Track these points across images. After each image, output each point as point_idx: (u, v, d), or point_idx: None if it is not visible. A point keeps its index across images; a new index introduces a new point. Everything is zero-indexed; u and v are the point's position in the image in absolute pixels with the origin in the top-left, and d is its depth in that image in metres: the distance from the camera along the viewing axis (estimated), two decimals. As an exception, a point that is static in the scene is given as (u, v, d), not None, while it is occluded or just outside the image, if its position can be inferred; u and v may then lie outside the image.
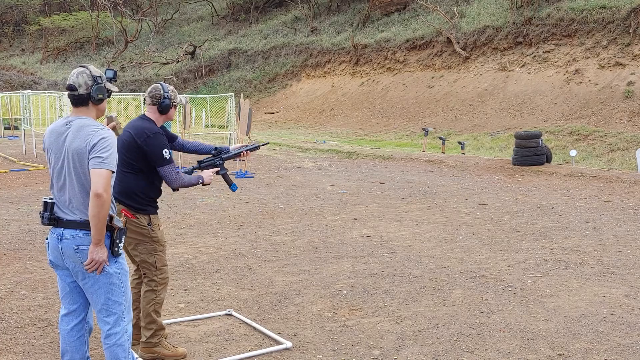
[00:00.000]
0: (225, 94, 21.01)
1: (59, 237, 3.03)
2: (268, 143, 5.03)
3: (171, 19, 47.15)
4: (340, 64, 31.98)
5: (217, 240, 7.12)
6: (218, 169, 4.06)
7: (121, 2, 43.14)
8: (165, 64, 39.41)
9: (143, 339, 3.82)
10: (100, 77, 3.10)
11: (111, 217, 3.00)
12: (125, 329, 3.13)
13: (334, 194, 10.38)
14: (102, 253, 2.97)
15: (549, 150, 12.99)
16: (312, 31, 36.04)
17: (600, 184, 10.71)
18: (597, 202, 9.16)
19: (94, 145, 2.96)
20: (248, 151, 4.22)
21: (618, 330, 4.19)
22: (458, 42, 25.93)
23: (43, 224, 3.09)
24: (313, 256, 6.34)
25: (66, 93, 3.28)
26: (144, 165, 3.72)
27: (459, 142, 16.54)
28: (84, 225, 3.00)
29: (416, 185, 11.18)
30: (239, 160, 13.32)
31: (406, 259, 6.18)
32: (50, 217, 3.05)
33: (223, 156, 4.09)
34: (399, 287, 5.23)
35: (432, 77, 26.31)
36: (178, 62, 39.49)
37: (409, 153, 16.31)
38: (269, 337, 4.16)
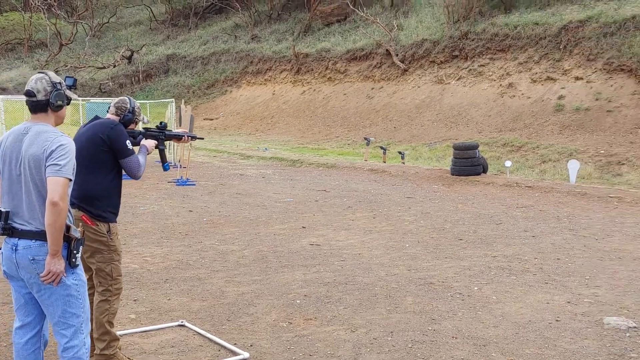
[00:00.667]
0: (166, 100, 20.70)
1: (14, 248, 2.94)
2: (203, 138, 5.09)
3: (108, 22, 46.07)
4: (281, 72, 32.02)
5: (163, 249, 7.00)
6: (157, 143, 4.10)
7: (56, 3, 41.85)
8: (101, 68, 38.45)
9: (97, 351, 3.73)
10: (59, 83, 3.04)
11: (68, 227, 2.93)
12: (84, 341, 3.05)
13: (280, 202, 10.38)
14: (60, 264, 2.89)
15: (485, 161, 13.40)
16: (252, 38, 35.97)
17: (535, 193, 11.12)
18: (533, 212, 9.50)
19: (52, 152, 2.88)
20: (189, 137, 4.32)
21: (564, 335, 4.37)
22: (397, 55, 26.40)
23: None
24: (263, 265, 6.33)
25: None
26: (107, 164, 3.67)
27: (399, 152, 16.83)
28: (40, 236, 2.91)
29: (361, 194, 11.31)
30: (190, 143, 13.09)
31: (356, 267, 6.25)
32: (5, 226, 2.95)
33: (166, 132, 4.17)
34: (352, 296, 5.29)
35: (372, 88, 26.69)
36: (115, 66, 38.62)
37: (352, 162, 16.48)
38: (225, 348, 4.13)
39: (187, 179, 13.14)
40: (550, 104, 20.27)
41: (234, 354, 4.03)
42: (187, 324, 4.54)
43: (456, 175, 12.87)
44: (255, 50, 34.31)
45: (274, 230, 8.14)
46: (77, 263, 2.99)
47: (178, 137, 4.25)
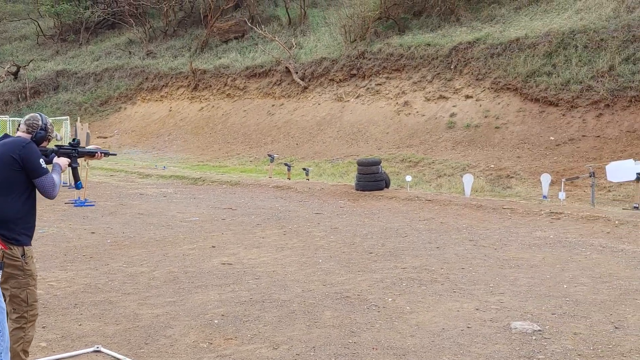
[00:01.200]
0: (60, 117, 19.81)
1: None
2: (116, 154, 4.96)
3: (-11, 36, 43.58)
4: (178, 88, 31.52)
5: (68, 273, 6.70)
6: (70, 161, 3.97)
7: None
8: (-17, 84, 36.24)
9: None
10: None
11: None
12: None
13: (185, 222, 10.19)
14: None
15: (388, 176, 13.81)
16: (147, 54, 35.19)
17: (435, 207, 11.58)
18: (435, 224, 9.89)
19: None
20: (102, 154, 4.20)
21: (476, 341, 4.58)
22: (297, 72, 26.72)
23: None
24: (176, 287, 6.20)
25: None
26: (20, 185, 3.48)
27: (304, 169, 17.00)
28: None
29: (268, 211, 11.32)
30: (88, 162, 12.56)
31: (272, 284, 6.25)
32: None
33: (79, 149, 4.04)
34: (270, 313, 5.29)
35: (273, 105, 26.82)
36: (-1, 82, 36.53)
37: (256, 179, 16.46)
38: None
39: (86, 199, 12.63)
40: (443, 121, 21.19)
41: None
42: (103, 349, 4.37)
43: (360, 190, 13.17)
44: (150, 67, 33.58)
45: (183, 250, 7.99)
46: None
47: (91, 154, 4.12)
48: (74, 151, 3.97)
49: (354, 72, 25.24)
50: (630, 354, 4.23)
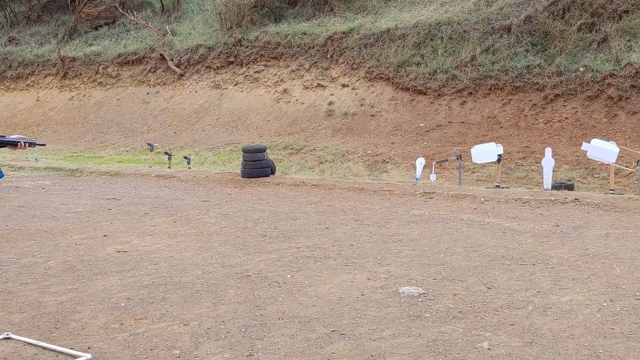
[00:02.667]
0: None
1: None
2: (44, 145, 4.91)
3: None
4: (45, 76, 30.02)
5: (-46, 268, 6.48)
6: None
7: None
8: None
9: None
10: None
11: None
12: None
13: (70, 213, 9.99)
14: None
15: (273, 163, 14.18)
16: (10, 41, 33.12)
17: (321, 191, 12.12)
18: (322, 207, 10.40)
19: None
20: (26, 144, 4.11)
21: (370, 306, 5.07)
22: (172, 59, 26.36)
23: None
24: (74, 274, 6.21)
25: None
26: None
27: (185, 157, 16.97)
28: None
29: (154, 200, 11.32)
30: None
31: (171, 268, 6.42)
32: None
33: None
34: (175, 294, 5.49)
35: (148, 93, 26.30)
36: None
37: (137, 169, 16.22)
38: (63, 353, 4.12)
39: (-45, 193, 11.94)
40: (322, 110, 21.88)
41: (74, 357, 4.04)
42: (13, 335, 4.40)
43: (247, 177, 13.44)
44: (14, 54, 31.66)
45: (74, 240, 7.91)
46: None
47: (13, 144, 4.09)
48: None
49: (232, 59, 25.33)
50: (502, 309, 4.89)
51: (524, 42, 20.14)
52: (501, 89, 19.21)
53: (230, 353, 4.11)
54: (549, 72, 18.64)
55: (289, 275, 6.06)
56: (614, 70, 17.60)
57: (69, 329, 4.63)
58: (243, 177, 13.58)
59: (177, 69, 25.90)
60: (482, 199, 10.50)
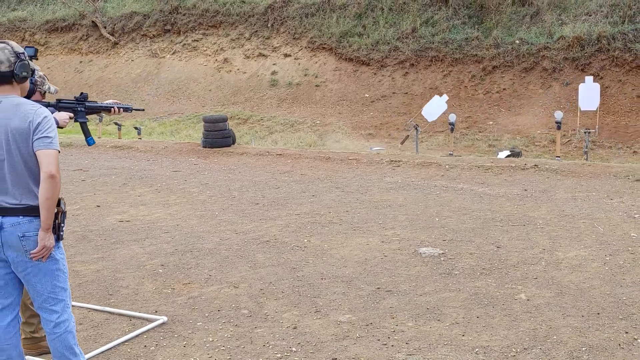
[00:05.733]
0: None
1: None
2: (143, 110, 4.85)
3: None
4: (-37, 42, 28.29)
5: None
6: (73, 115, 3.75)
7: None
8: None
9: (23, 335, 3.61)
10: (23, 53, 2.96)
11: (59, 200, 2.94)
12: (71, 315, 3.09)
13: (44, 185, 9.79)
14: (52, 239, 2.92)
15: (234, 133, 14.24)
16: None
17: (287, 160, 12.36)
18: (297, 176, 10.67)
19: (38, 124, 2.87)
20: (120, 109, 3.94)
21: (399, 266, 5.46)
22: (105, 27, 25.54)
23: None
24: (91, 244, 6.26)
25: None
26: None
27: (136, 127, 16.71)
28: (28, 211, 2.88)
29: (123, 171, 11.22)
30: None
31: (186, 236, 6.57)
32: None
33: (87, 103, 3.83)
34: (206, 260, 5.68)
35: (81, 62, 25.42)
36: None
37: (87, 140, 15.81)
38: (137, 317, 4.28)
39: None
40: (265, 79, 21.94)
41: (149, 320, 4.21)
42: (76, 303, 4.50)
43: (208, 147, 13.45)
44: None
45: (69, 211, 7.85)
46: (63, 236, 3.01)
47: (107, 109, 3.99)
48: (79, 105, 3.86)
49: (168, 27, 24.85)
50: (519, 265, 5.40)
51: (462, 15, 20.90)
52: (441, 60, 19.91)
53: (298, 310, 4.39)
54: (486, 45, 19.48)
55: (305, 240, 6.36)
56: (547, 43, 18.62)
57: (123, 294, 4.77)
58: (204, 147, 13.60)
59: (111, 37, 25.13)
60: (447, 166, 11.08)
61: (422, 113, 13.91)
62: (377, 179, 10.28)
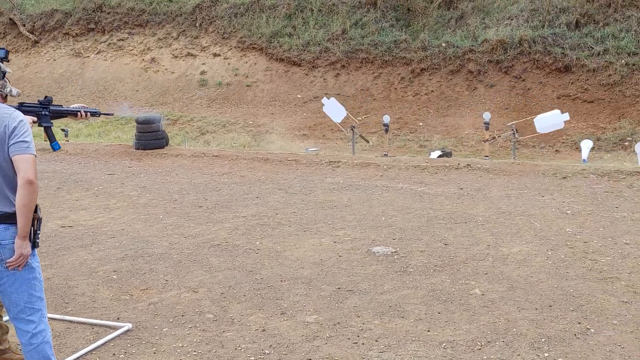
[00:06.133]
0: None
1: None
2: (112, 114, 4.67)
3: None
4: None
5: None
6: (37, 119, 3.61)
7: None
8: None
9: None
10: None
11: (36, 207, 2.86)
12: (47, 324, 3.00)
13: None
14: (28, 246, 2.83)
15: (167, 134, 13.98)
16: None
17: (225, 162, 12.26)
18: (237, 178, 10.62)
19: (14, 128, 2.79)
20: (88, 113, 3.83)
21: (355, 265, 5.56)
22: (24, 25, 24.48)
23: None
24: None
25: None
26: None
27: (62, 129, 16.11)
28: (4, 218, 2.81)
29: (55, 174, 10.83)
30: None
31: (133, 241, 6.44)
32: None
33: (51, 107, 3.71)
34: (159, 265, 5.60)
35: (-3, 60, 24.25)
36: None
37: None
38: (100, 325, 4.18)
39: None
40: (194, 79, 21.65)
41: (113, 328, 4.12)
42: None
43: (142, 149, 13.14)
44: None
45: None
46: (39, 244, 2.93)
47: (73, 114, 3.84)
48: (43, 110, 3.71)
49: (92, 26, 24.10)
50: (468, 262, 5.61)
51: (389, 18, 21.31)
52: (372, 62, 20.23)
53: (263, 312, 4.41)
54: (414, 47, 19.95)
55: (257, 242, 6.36)
56: (472, 46, 19.27)
57: (80, 302, 4.64)
58: (137, 148, 13.28)
59: (30, 35, 24.11)
60: (385, 166, 11.30)
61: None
62: (318, 179, 10.37)
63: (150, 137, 13.21)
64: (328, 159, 12.04)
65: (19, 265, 2.81)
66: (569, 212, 7.67)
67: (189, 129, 18.37)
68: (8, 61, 3.08)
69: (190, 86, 21.43)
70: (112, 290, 4.92)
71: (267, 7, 22.58)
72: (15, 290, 2.86)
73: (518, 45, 18.54)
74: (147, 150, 13.18)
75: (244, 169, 11.52)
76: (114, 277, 5.25)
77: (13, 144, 2.76)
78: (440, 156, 13.18)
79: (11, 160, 2.77)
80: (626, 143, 14.72)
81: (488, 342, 3.84)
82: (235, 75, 21.37)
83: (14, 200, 2.79)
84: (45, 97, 3.78)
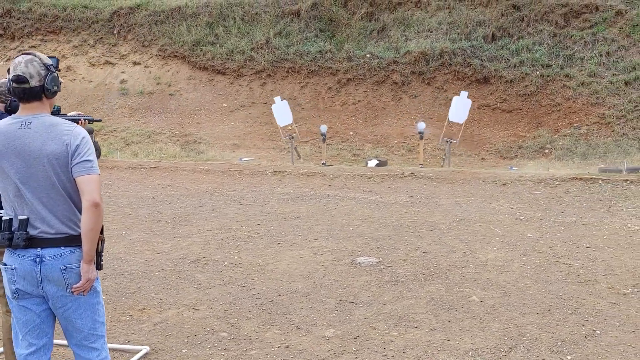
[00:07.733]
0: None
1: (37, 259, 2.56)
2: (100, 120, 4.44)
3: None
4: None
5: None
6: None
7: None
8: None
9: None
10: (52, 65, 2.70)
11: (102, 228, 2.71)
12: (108, 352, 2.85)
13: None
14: (94, 270, 2.69)
15: (99, 145, 13.44)
16: None
17: (164, 173, 11.95)
18: (182, 190, 10.37)
19: (77, 147, 2.63)
20: (86, 120, 3.70)
21: (345, 277, 5.59)
22: None
23: (12, 246, 2.53)
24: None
25: None
26: None
27: None
28: (69, 241, 2.64)
29: None
30: None
31: (106, 259, 6.14)
32: (27, 236, 2.54)
33: (60, 116, 3.55)
34: (144, 283, 5.40)
35: None
36: None
37: None
38: (118, 350, 3.98)
39: None
40: (114, 88, 20.94)
41: (131, 352, 3.94)
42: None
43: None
44: None
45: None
46: (102, 265, 2.78)
47: (74, 121, 3.64)
48: None
49: (1, 32, 22.78)
50: (452, 269, 5.78)
51: (313, 28, 21.52)
52: (298, 72, 20.33)
53: (278, 329, 4.36)
54: (340, 58, 20.25)
55: (236, 257, 6.26)
56: (395, 57, 19.79)
57: (79, 327, 4.39)
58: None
59: None
60: (331, 176, 11.40)
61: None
62: (268, 190, 10.31)
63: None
64: (272, 169, 12.01)
65: (84, 290, 2.65)
66: (522, 217, 8.05)
67: (113, 140, 17.74)
68: (59, 70, 2.91)
69: (110, 95, 20.71)
70: (107, 311, 4.69)
71: (188, 15, 22.21)
72: (79, 316, 2.69)
73: (439, 57, 19.23)
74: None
75: (186, 180, 11.28)
76: (104, 297, 5.00)
77: (77, 163, 2.60)
78: (377, 165, 13.44)
79: (74, 180, 2.61)
80: (546, 150, 15.60)
81: (510, 348, 3.99)
82: (158, 84, 20.85)
83: (78, 222, 2.63)
84: (55, 106, 3.61)
